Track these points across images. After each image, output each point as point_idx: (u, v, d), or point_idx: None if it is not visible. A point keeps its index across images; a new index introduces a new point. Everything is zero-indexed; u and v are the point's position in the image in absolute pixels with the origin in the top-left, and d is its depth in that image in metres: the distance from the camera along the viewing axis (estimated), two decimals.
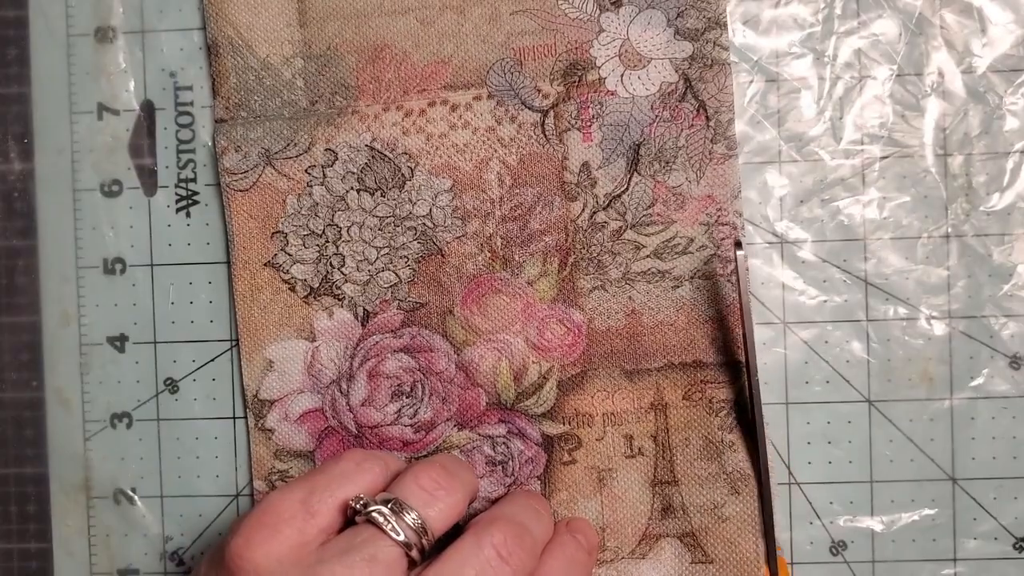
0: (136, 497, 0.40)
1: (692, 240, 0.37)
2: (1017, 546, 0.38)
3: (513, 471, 0.38)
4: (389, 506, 0.31)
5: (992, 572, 0.38)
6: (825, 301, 0.38)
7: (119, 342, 0.40)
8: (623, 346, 0.38)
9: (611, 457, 0.38)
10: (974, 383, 0.38)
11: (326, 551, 0.30)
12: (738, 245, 0.35)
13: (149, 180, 0.40)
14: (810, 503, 0.38)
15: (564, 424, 0.38)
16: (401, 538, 0.30)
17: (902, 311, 0.38)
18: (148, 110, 0.40)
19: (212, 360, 0.39)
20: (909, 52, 0.38)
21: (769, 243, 0.38)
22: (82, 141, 0.40)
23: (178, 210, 0.40)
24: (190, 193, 0.39)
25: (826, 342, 0.38)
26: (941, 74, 0.38)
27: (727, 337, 0.37)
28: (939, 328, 0.38)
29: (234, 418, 0.39)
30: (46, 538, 0.40)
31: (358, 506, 0.31)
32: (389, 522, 0.31)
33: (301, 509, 0.31)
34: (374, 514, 0.31)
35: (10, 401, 0.40)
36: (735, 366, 0.37)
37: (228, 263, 0.39)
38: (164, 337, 0.40)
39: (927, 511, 0.38)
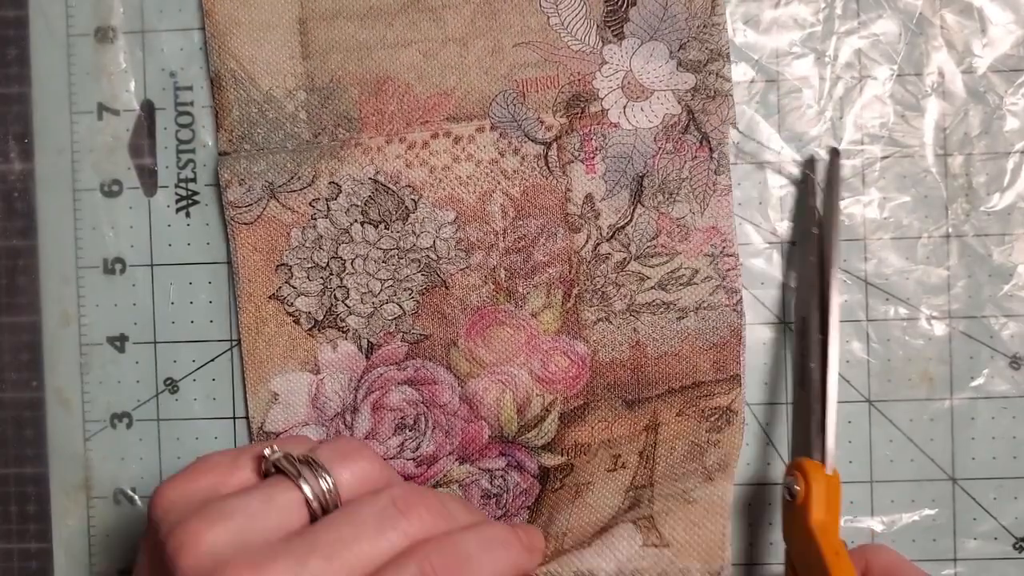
0: (136, 497, 0.40)
1: (697, 271, 0.37)
2: (1017, 546, 0.38)
3: (505, 503, 0.38)
4: (300, 458, 0.30)
5: (992, 572, 0.38)
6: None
7: (119, 342, 0.40)
8: (627, 378, 0.37)
9: (593, 473, 0.37)
10: (974, 383, 0.38)
11: (232, 493, 0.30)
12: (835, 153, 0.36)
13: (149, 180, 0.40)
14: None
15: (562, 456, 0.38)
16: (305, 487, 0.30)
17: (902, 311, 0.38)
18: (148, 110, 0.40)
19: (212, 360, 0.39)
20: (909, 52, 0.38)
21: (769, 243, 0.38)
22: (82, 141, 0.40)
23: (178, 210, 0.39)
24: (190, 193, 0.39)
25: None
26: (941, 74, 0.38)
27: (728, 358, 0.37)
28: (939, 328, 0.38)
29: (234, 418, 0.39)
30: (46, 538, 0.40)
31: (270, 454, 0.30)
32: (294, 468, 0.30)
33: (229, 462, 0.31)
34: (283, 461, 0.30)
35: (10, 401, 0.40)
36: (733, 379, 0.37)
37: (228, 262, 0.39)
38: (164, 337, 0.40)
39: (927, 511, 0.38)
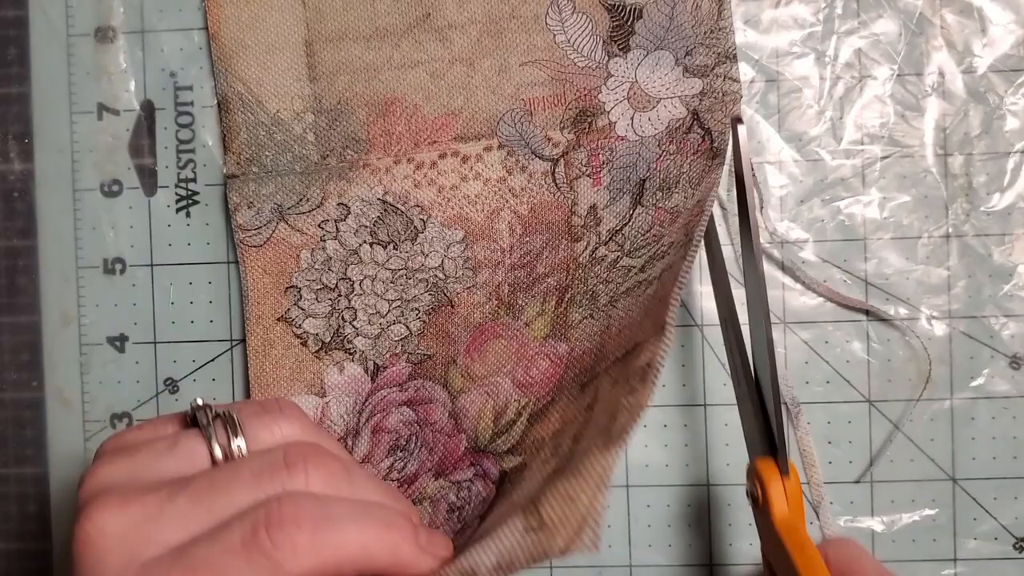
0: None
1: (673, 243, 0.36)
2: (1017, 546, 0.38)
3: (464, 516, 0.36)
4: (218, 413, 0.30)
5: (992, 572, 0.38)
6: (825, 301, 0.38)
7: (119, 342, 0.40)
8: (590, 362, 0.36)
9: (534, 469, 0.34)
10: (974, 383, 0.38)
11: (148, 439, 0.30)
12: (738, 120, 0.31)
13: (149, 180, 0.40)
14: (810, 503, 0.38)
15: (520, 455, 0.36)
16: (214, 441, 0.29)
17: (902, 311, 0.38)
18: (148, 110, 0.40)
19: (212, 360, 0.39)
20: (909, 52, 0.38)
21: (769, 243, 0.38)
22: (82, 141, 0.40)
23: (178, 210, 0.39)
24: (190, 193, 0.39)
25: (826, 342, 0.38)
26: (941, 74, 0.38)
27: (661, 309, 0.32)
28: (939, 328, 0.38)
29: None
30: (46, 538, 0.40)
31: (192, 406, 0.30)
32: (207, 419, 0.29)
33: (167, 418, 0.31)
34: (199, 413, 0.30)
35: (10, 401, 0.40)
36: (658, 329, 0.32)
37: (228, 262, 0.39)
38: (164, 337, 0.40)
39: (927, 511, 0.38)
